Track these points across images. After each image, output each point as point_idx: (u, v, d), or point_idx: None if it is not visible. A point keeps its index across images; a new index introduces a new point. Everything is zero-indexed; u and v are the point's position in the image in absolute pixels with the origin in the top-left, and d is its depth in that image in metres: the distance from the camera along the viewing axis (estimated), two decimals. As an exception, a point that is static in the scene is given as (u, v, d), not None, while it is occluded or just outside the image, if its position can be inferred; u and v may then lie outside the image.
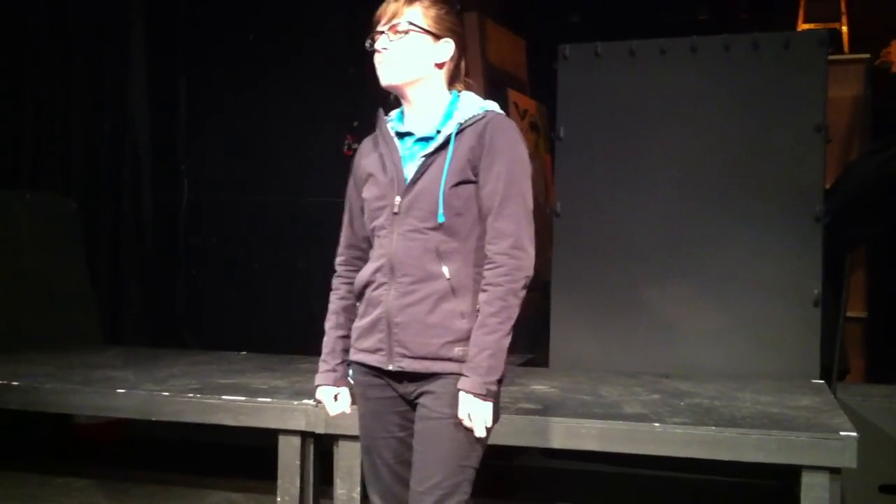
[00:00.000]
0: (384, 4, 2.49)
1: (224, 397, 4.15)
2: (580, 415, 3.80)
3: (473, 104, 2.48)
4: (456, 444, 2.40)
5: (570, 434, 3.71)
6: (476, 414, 2.36)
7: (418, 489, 2.42)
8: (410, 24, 2.44)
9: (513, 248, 2.37)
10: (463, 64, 2.57)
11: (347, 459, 3.88)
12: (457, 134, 2.43)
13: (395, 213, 2.44)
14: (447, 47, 2.48)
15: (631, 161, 5.41)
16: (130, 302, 7.06)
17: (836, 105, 5.81)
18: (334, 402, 2.68)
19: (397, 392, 2.51)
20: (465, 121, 2.44)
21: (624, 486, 5.01)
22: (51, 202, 6.30)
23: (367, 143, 2.63)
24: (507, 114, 2.54)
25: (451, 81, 2.54)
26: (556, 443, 3.75)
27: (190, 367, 4.99)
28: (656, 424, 3.64)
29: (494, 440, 3.72)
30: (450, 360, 2.40)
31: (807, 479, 3.46)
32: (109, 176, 6.99)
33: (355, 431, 3.83)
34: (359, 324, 2.55)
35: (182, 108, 7.36)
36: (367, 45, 2.50)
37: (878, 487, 4.30)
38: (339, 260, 2.70)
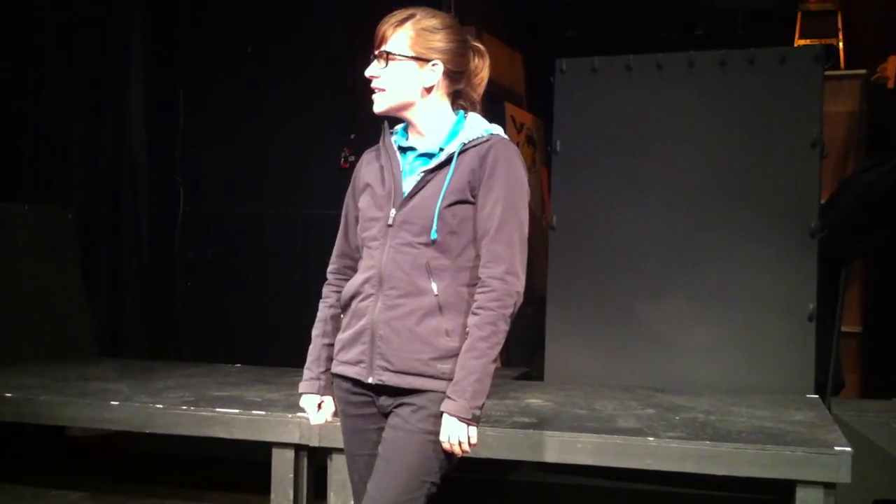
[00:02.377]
0: (379, 24, 2.48)
1: (218, 410, 4.15)
2: (575, 429, 3.81)
3: (479, 126, 2.48)
4: (422, 459, 2.39)
5: (564, 448, 3.71)
6: (460, 437, 2.36)
7: (375, 495, 2.40)
8: (390, 53, 2.44)
9: (507, 274, 2.38)
10: (472, 76, 2.55)
11: (341, 473, 3.86)
12: (459, 153, 2.43)
13: (389, 226, 2.44)
14: (434, 70, 2.45)
15: (627, 175, 5.42)
16: (127, 313, 7.05)
17: (831, 120, 5.83)
18: (317, 411, 2.65)
19: (376, 406, 2.49)
20: (469, 141, 2.44)
21: (619, 500, 5.00)
22: (47, 213, 6.30)
23: (368, 154, 2.62)
24: (504, 127, 2.55)
25: (455, 98, 2.54)
26: (551, 457, 3.75)
27: (185, 380, 4.98)
28: (651, 439, 3.64)
29: (489, 454, 3.76)
30: (432, 377, 2.39)
31: (801, 493, 3.47)
32: (107, 187, 6.99)
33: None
34: (342, 336, 2.54)
35: (180, 119, 7.37)
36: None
37: (873, 503, 4.30)
38: (330, 268, 2.69)
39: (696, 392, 4.85)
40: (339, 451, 3.83)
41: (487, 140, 2.44)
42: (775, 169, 5.21)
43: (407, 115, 2.51)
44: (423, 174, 2.45)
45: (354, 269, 2.59)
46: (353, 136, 6.60)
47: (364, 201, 2.53)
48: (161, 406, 4.22)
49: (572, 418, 4.07)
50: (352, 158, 6.54)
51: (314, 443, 3.96)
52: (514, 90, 7.73)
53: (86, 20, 6.78)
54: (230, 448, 4.36)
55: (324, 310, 2.67)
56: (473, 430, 2.37)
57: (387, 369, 2.41)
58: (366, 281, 2.47)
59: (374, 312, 2.43)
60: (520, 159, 2.47)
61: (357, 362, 2.47)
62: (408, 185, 2.46)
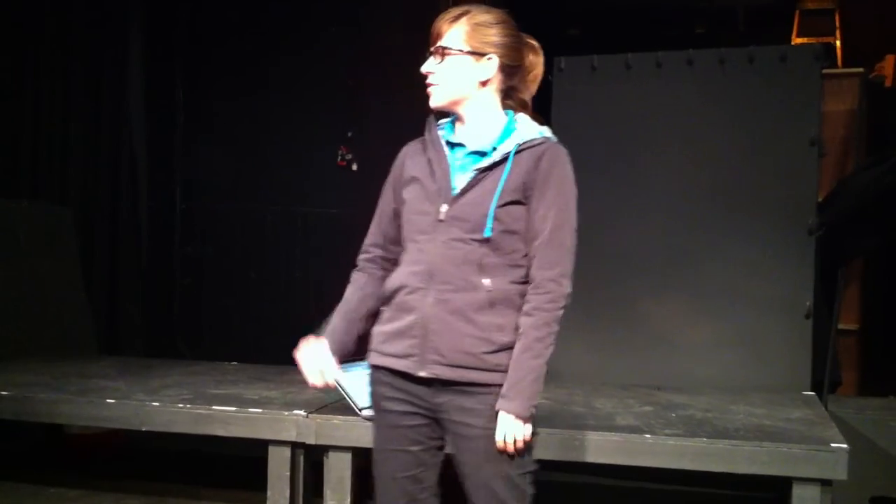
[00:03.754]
0: (434, 22, 2.50)
1: (215, 407, 4.14)
2: (573, 426, 3.80)
3: (532, 128, 2.50)
4: (510, 456, 2.43)
5: (563, 446, 3.71)
6: (518, 435, 2.40)
7: None
8: (447, 48, 2.46)
9: (560, 276, 2.43)
10: (527, 73, 2.57)
11: (337, 470, 3.88)
12: (515, 154, 2.44)
13: (440, 221, 2.45)
14: (490, 65, 2.47)
15: (625, 173, 5.42)
16: (126, 311, 7.05)
17: (830, 119, 5.82)
18: (313, 361, 2.62)
19: (422, 403, 2.49)
20: (524, 142, 2.46)
21: (617, 498, 5.00)
22: (47, 210, 6.30)
23: (412, 146, 2.62)
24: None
25: (506, 96, 2.55)
26: (550, 454, 3.73)
27: (183, 378, 4.98)
28: (648, 436, 3.64)
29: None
30: (485, 370, 2.42)
31: (798, 490, 3.46)
32: (106, 184, 7.00)
33: (346, 442, 3.87)
34: (384, 328, 2.54)
35: (179, 117, 7.38)
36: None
37: (869, 500, 4.30)
38: (362, 257, 2.69)
39: (694, 390, 4.85)
40: (336, 448, 3.86)
41: (542, 143, 2.47)
42: (774, 167, 5.20)
43: (459, 109, 2.52)
44: (476, 172, 2.46)
45: (388, 260, 2.62)
46: (350, 135, 6.61)
47: (410, 194, 2.53)
48: (159, 404, 4.22)
49: (571, 416, 4.07)
50: (349, 157, 6.55)
51: (311, 440, 3.95)
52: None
53: (85, 17, 6.78)
54: (228, 446, 4.35)
55: (355, 292, 2.66)
56: (529, 428, 2.42)
57: (439, 363, 2.43)
58: (413, 274, 2.48)
59: (424, 306, 2.44)
60: (570, 164, 2.50)
61: (406, 356, 2.47)
62: (458, 182, 2.47)
